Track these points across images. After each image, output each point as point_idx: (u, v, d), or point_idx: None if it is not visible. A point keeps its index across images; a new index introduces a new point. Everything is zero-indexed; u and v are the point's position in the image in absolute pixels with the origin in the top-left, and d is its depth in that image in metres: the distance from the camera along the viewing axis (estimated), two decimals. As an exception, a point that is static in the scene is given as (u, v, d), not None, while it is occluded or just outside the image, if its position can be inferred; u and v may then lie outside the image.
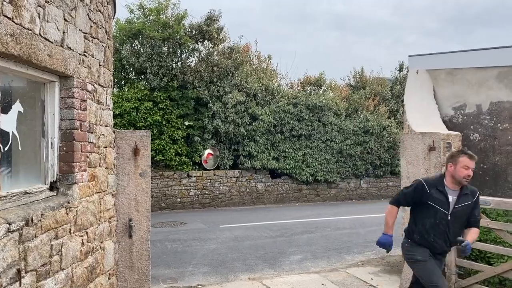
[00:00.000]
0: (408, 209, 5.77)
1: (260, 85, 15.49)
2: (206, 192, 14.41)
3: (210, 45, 14.91)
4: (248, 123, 14.76)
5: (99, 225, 3.94)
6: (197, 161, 14.31)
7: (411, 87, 7.27)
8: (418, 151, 5.62)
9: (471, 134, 6.45)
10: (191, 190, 14.19)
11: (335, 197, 16.66)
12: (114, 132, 4.51)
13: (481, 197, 5.48)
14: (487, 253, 5.67)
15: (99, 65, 4.00)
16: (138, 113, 13.22)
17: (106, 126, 4.21)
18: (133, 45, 13.97)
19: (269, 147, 15.23)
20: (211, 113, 14.36)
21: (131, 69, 14.18)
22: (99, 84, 3.99)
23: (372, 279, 6.29)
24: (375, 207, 14.68)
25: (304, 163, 15.73)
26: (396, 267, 6.76)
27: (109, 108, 4.39)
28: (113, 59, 4.66)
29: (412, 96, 7.14)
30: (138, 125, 13.10)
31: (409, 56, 7.49)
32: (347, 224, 11.05)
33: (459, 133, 6.16)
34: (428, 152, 5.59)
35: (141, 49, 13.75)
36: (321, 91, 17.32)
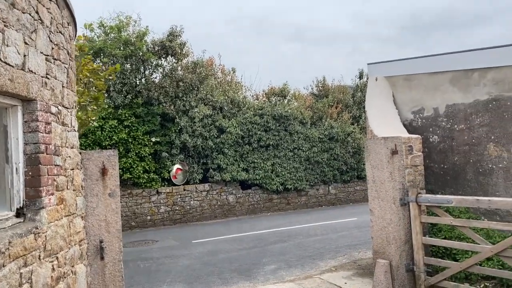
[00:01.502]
0: (376, 212, 5.96)
1: (226, 97, 15.58)
2: (177, 208, 14.27)
3: (174, 60, 14.91)
4: (215, 136, 14.79)
5: (69, 249, 3.87)
6: (166, 177, 14.17)
7: (371, 93, 7.53)
8: (382, 155, 5.82)
9: (431, 136, 6.73)
10: (161, 207, 14.01)
11: (306, 204, 16.85)
12: (80, 153, 4.45)
13: (443, 196, 5.73)
14: (452, 249, 5.91)
15: (62, 87, 3.96)
16: (103, 132, 13.00)
17: (72, 147, 4.15)
18: (95, 63, 13.75)
19: (238, 159, 15.28)
20: (178, 128, 14.29)
21: (94, 88, 13.92)
22: (63, 106, 3.94)
23: (345, 283, 6.41)
24: (345, 211, 14.97)
25: (274, 172, 15.87)
26: (368, 270, 6.92)
27: (74, 130, 4.33)
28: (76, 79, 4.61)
29: (373, 102, 7.40)
30: (104, 144, 12.87)
31: (368, 64, 7.76)
32: (318, 230, 11.20)
33: (419, 136, 6.42)
34: (391, 156, 5.80)
35: (103, 68, 13.55)
36: (285, 101, 17.58)
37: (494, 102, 5.94)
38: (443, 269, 5.66)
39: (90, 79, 9.03)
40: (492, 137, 5.98)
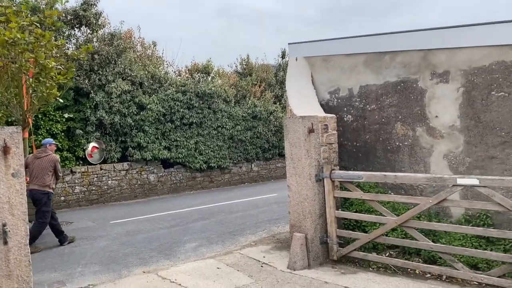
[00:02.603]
0: (293, 188, 6.16)
1: (146, 73, 15.01)
2: (93, 188, 13.64)
3: (89, 31, 13.98)
4: (135, 113, 14.25)
5: (-35, 234, 3.53)
6: (80, 155, 13.43)
7: (291, 73, 7.68)
8: (300, 134, 6.00)
9: (345, 116, 7.06)
10: (76, 187, 13.30)
11: (229, 182, 17.01)
12: (-23, 130, 4.03)
13: (354, 172, 6.08)
14: (362, 222, 6.33)
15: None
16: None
17: (-34, 123, 3.75)
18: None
19: (159, 137, 14.91)
20: (93, 104, 13.54)
21: (-3, 57, 12.67)
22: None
23: (264, 257, 6.61)
24: (266, 188, 15.36)
25: (197, 151, 15.74)
26: (286, 243, 7.19)
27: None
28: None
29: (293, 82, 7.56)
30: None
31: (289, 44, 7.89)
32: (240, 207, 11.39)
33: (334, 115, 6.70)
34: (308, 134, 6.00)
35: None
36: (209, 79, 17.39)
37: (402, 84, 6.35)
38: (353, 240, 6.05)
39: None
40: (400, 117, 6.41)
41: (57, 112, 12.91)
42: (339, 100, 7.16)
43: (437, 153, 6.04)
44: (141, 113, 14.37)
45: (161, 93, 15.00)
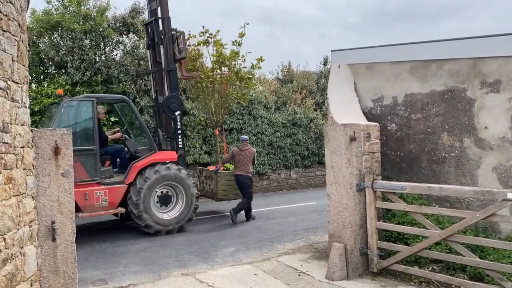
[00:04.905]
0: (333, 196, 6.08)
1: (190, 78, 15.30)
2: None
3: (136, 38, 14.45)
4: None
5: (18, 230, 3.72)
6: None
7: (333, 80, 7.61)
8: (341, 142, 5.92)
9: (389, 125, 6.91)
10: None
11: (267, 188, 16.99)
12: (32, 131, 4.26)
13: (397, 183, 5.92)
14: (404, 234, 6.13)
15: (12, 61, 3.75)
16: (60, 110, 12.49)
17: (22, 125, 3.96)
18: (52, 38, 13.14)
19: (201, 142, 15.13)
20: (138, 108, 13.94)
21: (51, 63, 13.33)
22: (13, 81, 3.74)
23: (302, 266, 6.54)
24: (305, 196, 15.21)
25: (236, 156, 15.82)
26: (324, 253, 7.09)
27: (26, 106, 4.13)
28: (29, 53, 4.39)
29: (335, 89, 7.48)
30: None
31: (332, 51, 7.82)
32: (278, 214, 11.35)
33: (377, 123, 6.57)
34: (349, 142, 5.91)
35: (61, 42, 12.98)
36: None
37: (449, 93, 6.14)
38: (395, 253, 5.88)
39: None
40: (446, 127, 6.20)
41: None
42: (383, 109, 7.01)
43: (486, 165, 5.78)
44: (184, 118, 14.64)
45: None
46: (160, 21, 10.42)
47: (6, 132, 3.53)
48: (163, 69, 10.23)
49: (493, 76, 5.66)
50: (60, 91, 8.85)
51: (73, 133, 8.39)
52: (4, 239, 3.43)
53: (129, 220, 9.48)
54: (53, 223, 4.35)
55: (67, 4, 13.39)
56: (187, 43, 11.08)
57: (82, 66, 12.96)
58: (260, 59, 12.05)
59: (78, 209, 8.03)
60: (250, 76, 12.40)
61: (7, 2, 3.65)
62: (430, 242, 5.42)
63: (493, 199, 4.98)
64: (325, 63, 21.57)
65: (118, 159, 9.65)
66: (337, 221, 6.04)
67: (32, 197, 4.16)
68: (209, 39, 11.61)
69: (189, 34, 11.99)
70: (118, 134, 9.91)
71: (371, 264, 6.02)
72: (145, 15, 14.52)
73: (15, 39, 3.83)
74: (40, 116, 12.06)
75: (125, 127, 10.40)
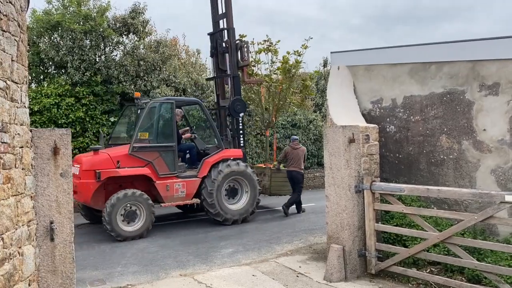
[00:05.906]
0: (332, 198, 6.08)
1: (189, 79, 15.32)
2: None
3: (136, 38, 14.46)
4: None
5: (16, 229, 3.72)
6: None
7: (333, 82, 7.62)
8: (340, 143, 5.93)
9: (388, 126, 6.92)
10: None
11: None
12: (31, 131, 4.26)
13: (396, 185, 5.92)
14: (403, 236, 6.14)
15: (12, 60, 3.76)
16: (59, 110, 12.49)
17: (21, 125, 3.97)
18: (52, 38, 13.15)
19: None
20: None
21: (51, 63, 13.35)
22: (12, 81, 3.75)
23: (300, 267, 6.55)
24: (304, 197, 15.11)
25: (235, 157, 15.83)
26: (322, 254, 7.09)
27: (25, 106, 4.14)
28: (29, 53, 4.39)
29: (334, 91, 7.49)
30: (60, 122, 12.40)
31: (331, 52, 7.84)
32: (276, 215, 11.34)
33: (376, 125, 6.59)
34: (348, 144, 5.92)
35: (61, 42, 12.98)
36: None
37: (448, 95, 6.15)
38: (393, 254, 5.89)
39: None
40: (445, 129, 6.21)
41: (104, 116, 13.40)
42: (382, 110, 7.02)
43: (484, 168, 5.79)
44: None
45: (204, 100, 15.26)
46: (225, 31, 11.24)
47: (5, 132, 3.53)
48: (228, 75, 11.12)
49: (492, 78, 5.68)
50: (137, 94, 10.11)
51: (156, 131, 9.51)
52: (2, 239, 3.44)
53: (193, 212, 10.93)
54: (51, 223, 4.35)
55: (67, 4, 13.40)
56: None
57: (82, 66, 12.97)
58: (305, 46, 13.25)
59: (158, 200, 9.31)
60: (309, 82, 14.26)
61: (7, 2, 3.66)
62: (428, 244, 5.42)
63: (491, 201, 4.98)
64: (324, 65, 21.60)
65: (188, 156, 10.61)
66: (335, 223, 6.05)
67: (31, 197, 4.17)
68: (270, 47, 12.79)
69: (252, 42, 12.95)
70: (189, 134, 10.94)
71: (369, 266, 6.02)
72: (145, 16, 14.58)
73: (14, 39, 3.83)
74: (39, 116, 12.04)
75: (193, 127, 11.63)
